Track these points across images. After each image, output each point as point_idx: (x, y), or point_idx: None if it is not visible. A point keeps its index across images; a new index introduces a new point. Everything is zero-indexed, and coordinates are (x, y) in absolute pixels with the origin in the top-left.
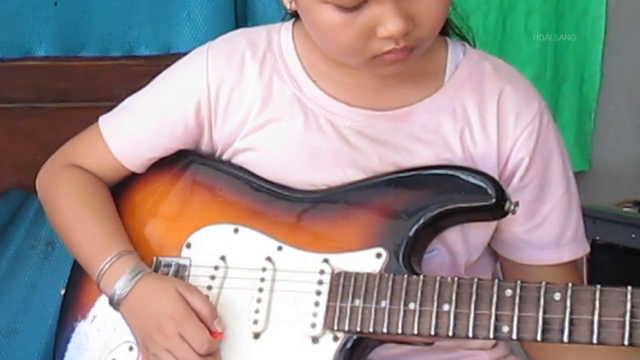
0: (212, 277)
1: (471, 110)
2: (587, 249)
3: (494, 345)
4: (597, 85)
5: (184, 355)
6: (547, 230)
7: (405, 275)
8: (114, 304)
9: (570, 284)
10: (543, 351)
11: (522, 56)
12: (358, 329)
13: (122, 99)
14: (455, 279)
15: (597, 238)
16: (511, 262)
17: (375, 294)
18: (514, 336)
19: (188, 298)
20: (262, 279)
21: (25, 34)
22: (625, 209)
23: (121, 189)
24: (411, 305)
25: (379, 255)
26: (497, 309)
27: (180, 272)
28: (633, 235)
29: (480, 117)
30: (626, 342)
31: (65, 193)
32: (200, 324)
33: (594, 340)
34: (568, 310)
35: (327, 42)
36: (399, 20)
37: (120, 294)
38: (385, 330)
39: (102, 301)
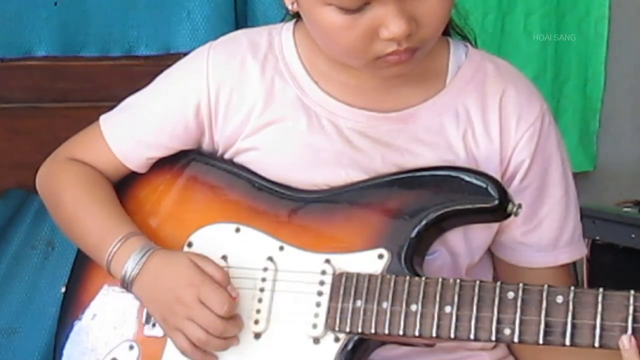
0: None
1: (474, 111)
2: (584, 251)
3: (495, 346)
4: (602, 86)
5: (206, 320)
6: (544, 232)
7: (407, 277)
8: (126, 284)
9: (572, 287)
10: (530, 353)
11: (521, 56)
12: (359, 330)
13: (122, 99)
14: (457, 280)
15: (597, 238)
16: (506, 264)
17: (377, 295)
18: (516, 339)
19: (201, 265)
20: (264, 279)
21: (25, 34)
22: (625, 209)
23: (123, 187)
24: (413, 307)
25: (381, 256)
26: (499, 311)
27: None
28: (633, 235)
29: (482, 118)
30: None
31: (68, 185)
32: (218, 286)
33: (596, 344)
34: (570, 313)
35: (329, 43)
36: (401, 22)
37: (132, 273)
38: (386, 331)
39: (103, 299)
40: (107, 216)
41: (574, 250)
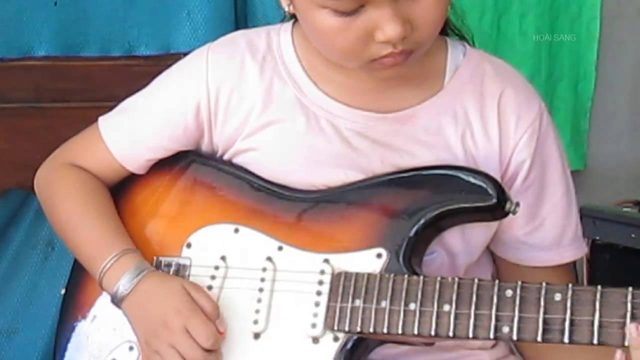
0: (213, 277)
1: (472, 112)
2: (585, 249)
3: (494, 345)
4: (593, 85)
5: (188, 350)
6: (547, 231)
7: (406, 276)
8: (116, 301)
9: (570, 285)
10: (537, 351)
11: (517, 56)
12: (358, 329)
13: (122, 99)
14: (456, 279)
15: (597, 238)
16: (510, 263)
17: (375, 295)
18: (515, 337)
19: (193, 295)
20: (263, 279)
21: (25, 34)
22: (625, 209)
23: (121, 189)
24: (412, 306)
25: (379, 256)
26: (497, 309)
27: (180, 272)
28: (633, 235)
29: (481, 119)
30: (627, 343)
31: (66, 192)
32: (206, 319)
33: (595, 341)
34: (568, 311)
35: (325, 46)
36: (396, 25)
37: (123, 291)
38: (385, 330)
39: (102, 301)
40: (102, 230)
41: (578, 249)
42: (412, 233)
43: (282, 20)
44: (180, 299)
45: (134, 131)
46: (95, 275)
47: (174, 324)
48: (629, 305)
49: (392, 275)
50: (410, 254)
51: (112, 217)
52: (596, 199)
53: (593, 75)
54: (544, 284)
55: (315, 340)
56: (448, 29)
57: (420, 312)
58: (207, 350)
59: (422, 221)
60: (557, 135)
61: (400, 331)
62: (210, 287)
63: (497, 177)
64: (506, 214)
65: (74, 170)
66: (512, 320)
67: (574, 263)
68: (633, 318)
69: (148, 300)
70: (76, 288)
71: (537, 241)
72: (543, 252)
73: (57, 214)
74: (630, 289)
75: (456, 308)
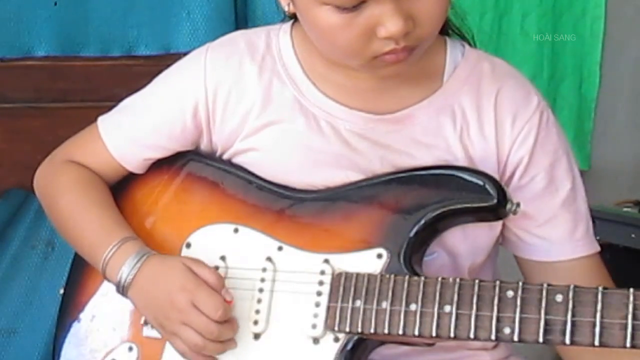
0: None
1: (469, 111)
2: (598, 247)
3: (496, 346)
4: (597, 85)
5: (200, 325)
6: (558, 226)
7: (407, 276)
8: (122, 290)
9: (572, 286)
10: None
11: (518, 56)
12: (359, 329)
13: (122, 99)
14: (457, 280)
15: (597, 238)
16: (526, 261)
17: (376, 295)
18: (516, 338)
19: (195, 269)
20: (263, 279)
21: (25, 34)
22: (625, 209)
23: (120, 188)
24: (412, 307)
25: (379, 256)
26: (498, 310)
27: None
28: (633, 235)
29: (478, 118)
30: (628, 344)
31: (66, 188)
32: (212, 290)
33: (596, 342)
34: (570, 312)
35: (327, 43)
36: (398, 20)
37: (127, 279)
38: (386, 331)
39: (101, 301)
40: (102, 221)
41: (590, 244)
42: (412, 233)
43: (282, 21)
44: (183, 276)
45: (132, 130)
46: (98, 266)
47: (181, 302)
48: (630, 306)
49: (392, 276)
50: (411, 254)
51: (112, 208)
52: (600, 199)
53: (597, 75)
54: (545, 285)
55: (316, 340)
56: (448, 29)
57: (421, 313)
58: (220, 323)
59: (422, 221)
60: (560, 132)
61: (401, 332)
62: None
63: (495, 176)
64: (506, 214)
65: (73, 166)
66: (513, 322)
67: (600, 258)
68: (634, 319)
69: (152, 284)
70: (75, 288)
71: (548, 236)
72: (555, 246)
73: (56, 209)
74: (631, 290)
75: (457, 309)
